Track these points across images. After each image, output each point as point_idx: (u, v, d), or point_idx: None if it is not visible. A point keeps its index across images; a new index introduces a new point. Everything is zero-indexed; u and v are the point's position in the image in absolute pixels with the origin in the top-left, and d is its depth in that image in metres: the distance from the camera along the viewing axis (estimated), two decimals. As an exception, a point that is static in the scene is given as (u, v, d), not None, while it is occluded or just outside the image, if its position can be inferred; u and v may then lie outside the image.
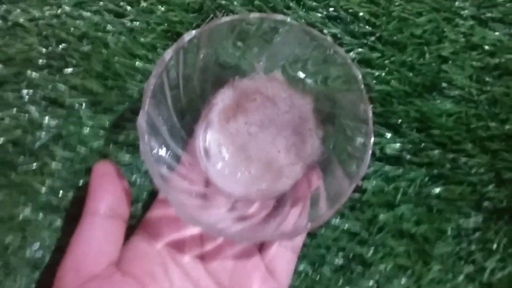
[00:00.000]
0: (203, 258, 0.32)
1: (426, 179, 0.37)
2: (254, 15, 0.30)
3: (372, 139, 0.30)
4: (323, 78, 0.34)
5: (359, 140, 0.31)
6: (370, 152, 0.30)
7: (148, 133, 0.28)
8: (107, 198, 0.30)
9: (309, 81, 0.35)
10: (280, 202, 0.34)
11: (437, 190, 0.37)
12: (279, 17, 0.30)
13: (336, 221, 0.37)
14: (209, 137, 0.35)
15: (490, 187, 0.37)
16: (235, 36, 0.32)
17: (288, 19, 0.30)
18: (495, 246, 0.36)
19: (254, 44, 0.33)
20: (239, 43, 0.33)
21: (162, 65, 0.29)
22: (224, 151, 0.35)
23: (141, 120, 0.28)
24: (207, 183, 0.35)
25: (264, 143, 0.35)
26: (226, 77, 0.35)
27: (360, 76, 0.31)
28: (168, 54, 0.29)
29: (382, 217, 0.36)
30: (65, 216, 0.35)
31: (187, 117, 0.35)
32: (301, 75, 0.35)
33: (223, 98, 0.36)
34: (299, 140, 0.35)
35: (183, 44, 0.29)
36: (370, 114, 0.30)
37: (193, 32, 0.29)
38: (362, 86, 0.31)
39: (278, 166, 0.35)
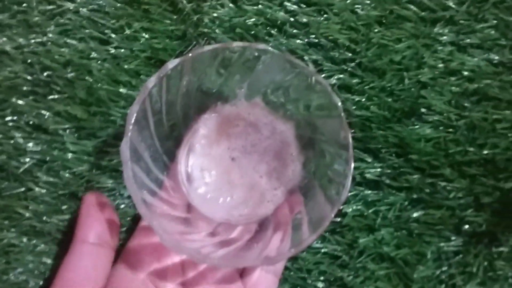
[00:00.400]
0: (185, 285, 0.33)
1: (406, 203, 0.38)
2: (237, 44, 0.31)
3: (352, 165, 0.31)
4: (304, 105, 0.35)
5: (340, 165, 0.32)
6: (350, 177, 0.31)
7: (131, 159, 0.29)
8: (96, 226, 0.32)
9: (290, 107, 0.36)
10: (262, 227, 0.36)
11: (416, 214, 0.38)
12: (261, 46, 0.32)
13: (317, 244, 0.38)
14: (191, 162, 0.37)
15: (469, 211, 0.38)
16: (218, 63, 0.33)
17: (270, 48, 0.32)
18: (475, 269, 0.37)
19: (236, 71, 0.34)
20: (222, 71, 0.34)
21: (145, 92, 0.30)
22: (207, 176, 0.37)
23: (124, 147, 0.29)
24: (189, 208, 0.36)
25: (246, 168, 0.37)
26: (208, 103, 0.37)
27: (340, 104, 0.32)
28: (151, 81, 0.30)
29: (362, 241, 0.38)
30: (48, 241, 0.36)
31: (170, 143, 0.36)
32: (283, 101, 0.36)
33: (206, 124, 0.37)
34: (281, 165, 0.37)
35: (166, 72, 0.30)
36: (350, 140, 0.31)
37: (177, 60, 0.30)
38: (342, 113, 0.32)
39: (260, 191, 0.36)
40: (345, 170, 0.32)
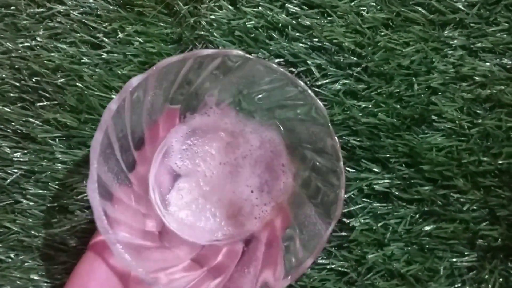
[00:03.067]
0: None
1: (417, 216, 0.41)
2: (208, 51, 0.33)
3: (344, 177, 0.34)
4: (283, 110, 0.38)
5: (331, 177, 0.35)
6: (343, 191, 0.34)
7: (102, 198, 0.29)
8: None
9: (266, 113, 0.39)
10: (249, 246, 0.38)
11: (428, 228, 0.41)
12: (234, 51, 0.34)
13: (323, 260, 0.41)
14: (167, 183, 0.38)
15: (484, 225, 0.41)
16: (186, 72, 0.35)
17: (245, 54, 0.34)
18: (490, 286, 0.40)
19: (206, 79, 0.36)
20: (190, 79, 0.36)
21: (108, 116, 0.30)
22: (186, 197, 0.38)
23: (92, 189, 0.29)
24: (163, 233, 0.37)
25: (239, 183, 0.39)
26: (175, 114, 0.38)
27: (325, 109, 0.34)
28: (114, 103, 0.30)
29: (371, 256, 0.40)
30: (37, 257, 0.40)
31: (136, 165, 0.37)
32: (258, 107, 0.39)
33: (177, 139, 0.39)
34: (272, 177, 0.39)
35: (129, 91, 0.31)
36: (338, 148, 0.34)
37: (140, 76, 0.31)
38: (328, 119, 0.34)
39: (250, 207, 0.38)
40: (336, 182, 0.34)
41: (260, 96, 0.38)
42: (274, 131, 0.39)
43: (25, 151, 0.41)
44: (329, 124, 0.34)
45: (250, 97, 0.38)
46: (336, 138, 0.34)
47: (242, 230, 0.38)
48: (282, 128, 0.39)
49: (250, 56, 0.34)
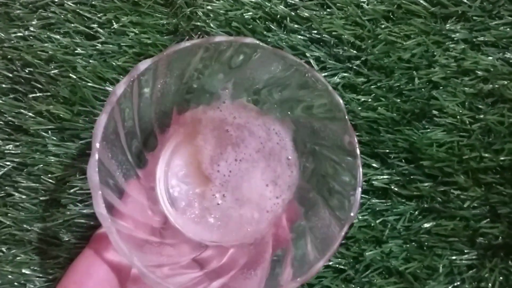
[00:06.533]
0: None
1: (416, 213, 0.43)
2: (220, 38, 0.34)
3: (361, 175, 0.34)
4: (300, 105, 0.39)
5: (346, 175, 0.36)
6: (360, 189, 0.34)
7: (101, 183, 0.30)
8: None
9: (283, 108, 0.40)
10: (258, 248, 0.38)
11: (427, 225, 0.42)
12: (249, 39, 0.34)
13: (320, 258, 0.42)
14: (178, 180, 0.39)
15: (484, 222, 0.42)
16: (198, 61, 0.35)
17: (259, 42, 0.34)
18: (490, 285, 0.42)
19: (219, 70, 0.37)
20: (203, 70, 0.37)
21: (113, 100, 0.31)
22: (196, 195, 0.39)
23: (92, 171, 0.29)
24: (166, 229, 0.38)
25: (255, 178, 0.40)
26: (187, 108, 0.40)
27: (343, 104, 0.35)
28: (120, 86, 0.31)
29: (369, 253, 0.42)
30: (29, 251, 0.41)
31: (144, 157, 0.38)
32: (275, 102, 0.40)
33: (185, 134, 0.40)
34: (282, 170, 0.40)
35: (137, 74, 0.32)
36: (357, 146, 0.35)
37: (149, 60, 0.32)
38: (346, 115, 0.35)
39: (264, 202, 0.40)
40: (352, 181, 0.34)
41: (275, 90, 0.39)
42: (283, 125, 0.40)
43: (17, 144, 0.42)
44: (347, 120, 0.35)
45: (265, 92, 0.39)
46: (354, 134, 0.35)
47: (255, 230, 0.39)
48: (295, 124, 0.40)
49: (265, 45, 0.34)
